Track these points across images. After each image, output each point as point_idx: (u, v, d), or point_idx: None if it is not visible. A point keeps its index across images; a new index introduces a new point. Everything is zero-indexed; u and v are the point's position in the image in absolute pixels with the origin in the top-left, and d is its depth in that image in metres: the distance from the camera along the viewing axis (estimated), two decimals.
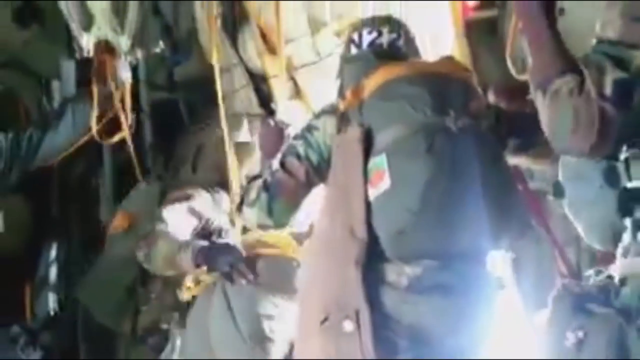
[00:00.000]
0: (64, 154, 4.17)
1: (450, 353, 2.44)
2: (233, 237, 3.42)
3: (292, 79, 3.97)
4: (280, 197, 2.56)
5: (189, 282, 3.45)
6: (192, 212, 3.47)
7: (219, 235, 3.50)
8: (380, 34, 2.69)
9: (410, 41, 2.73)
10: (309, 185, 2.58)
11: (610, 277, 2.21)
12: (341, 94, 2.63)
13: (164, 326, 3.63)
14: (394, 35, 2.69)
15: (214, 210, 3.54)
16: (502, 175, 2.50)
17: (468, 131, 2.45)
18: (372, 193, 2.40)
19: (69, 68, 4.73)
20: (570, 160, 2.29)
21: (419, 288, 2.38)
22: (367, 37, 2.69)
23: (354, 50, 2.71)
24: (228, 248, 3.27)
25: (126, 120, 3.99)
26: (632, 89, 2.01)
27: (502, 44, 3.21)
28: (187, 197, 3.50)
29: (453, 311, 2.42)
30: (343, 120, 2.52)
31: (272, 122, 3.00)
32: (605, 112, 1.99)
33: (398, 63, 2.60)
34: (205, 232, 3.50)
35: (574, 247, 3.16)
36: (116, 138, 4.05)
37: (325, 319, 2.37)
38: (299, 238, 3.37)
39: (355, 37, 2.72)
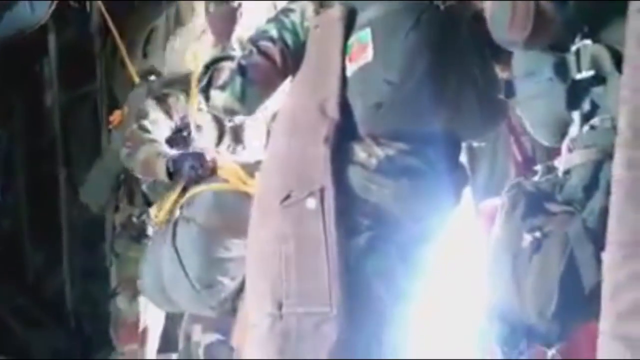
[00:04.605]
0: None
1: (409, 237, 2.42)
2: (208, 134, 3.48)
3: None
4: (255, 82, 2.44)
5: (154, 212, 3.53)
6: (168, 111, 3.53)
7: (198, 130, 3.52)
8: None
9: None
10: (285, 70, 2.46)
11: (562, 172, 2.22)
12: None
13: (135, 220, 3.87)
14: None
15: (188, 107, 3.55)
16: (487, 63, 2.44)
17: (455, 14, 2.39)
18: (351, 68, 2.34)
19: None
20: (522, 57, 2.32)
21: (388, 170, 2.34)
22: None
23: None
24: (194, 155, 3.38)
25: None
26: None
27: None
28: (165, 97, 3.54)
29: (417, 197, 2.39)
30: (323, 2, 2.43)
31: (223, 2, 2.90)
32: (541, 4, 2.11)
33: None
34: (183, 129, 3.54)
35: (531, 136, 3.14)
36: None
37: (287, 197, 2.32)
38: (250, 169, 3.30)
39: None
